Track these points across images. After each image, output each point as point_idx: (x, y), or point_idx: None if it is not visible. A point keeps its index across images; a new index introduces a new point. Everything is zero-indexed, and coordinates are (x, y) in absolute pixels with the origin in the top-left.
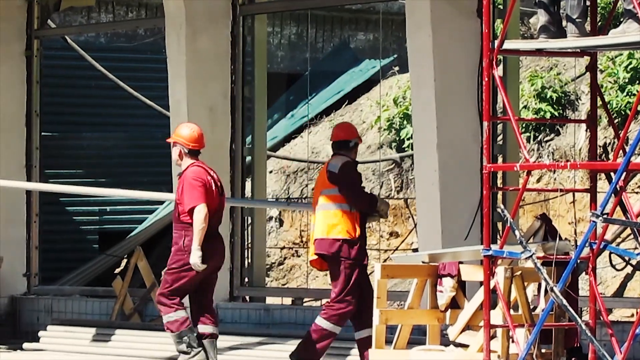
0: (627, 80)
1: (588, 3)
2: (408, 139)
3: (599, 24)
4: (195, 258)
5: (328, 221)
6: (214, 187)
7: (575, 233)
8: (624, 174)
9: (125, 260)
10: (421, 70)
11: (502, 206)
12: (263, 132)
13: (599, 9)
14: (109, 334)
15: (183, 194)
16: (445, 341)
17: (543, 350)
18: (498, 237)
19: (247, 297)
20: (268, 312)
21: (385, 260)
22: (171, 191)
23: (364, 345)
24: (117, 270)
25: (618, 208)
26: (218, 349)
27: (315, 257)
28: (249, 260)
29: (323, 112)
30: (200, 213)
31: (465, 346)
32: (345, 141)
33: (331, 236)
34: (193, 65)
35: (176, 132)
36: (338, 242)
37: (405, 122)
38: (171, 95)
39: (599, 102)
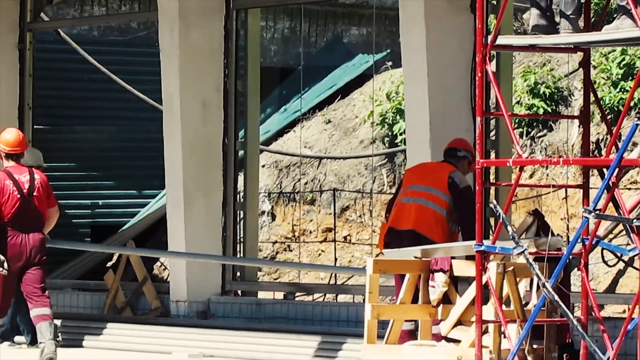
0: (620, 77)
1: None
2: (401, 134)
3: (593, 20)
4: None
5: (425, 217)
6: (12, 189)
7: (568, 229)
8: (617, 170)
9: (117, 254)
10: (414, 65)
11: (494, 202)
12: (256, 126)
13: (592, 5)
14: (101, 327)
15: None
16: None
17: (535, 346)
18: (490, 232)
19: (239, 292)
20: (260, 307)
21: (377, 255)
22: (163, 185)
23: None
24: (109, 264)
25: (610, 204)
26: (209, 342)
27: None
28: (241, 255)
29: (316, 106)
30: None
31: (457, 341)
32: (455, 149)
33: (424, 233)
34: (186, 59)
35: None
36: (428, 242)
37: (398, 117)
38: (164, 89)
39: (592, 98)
